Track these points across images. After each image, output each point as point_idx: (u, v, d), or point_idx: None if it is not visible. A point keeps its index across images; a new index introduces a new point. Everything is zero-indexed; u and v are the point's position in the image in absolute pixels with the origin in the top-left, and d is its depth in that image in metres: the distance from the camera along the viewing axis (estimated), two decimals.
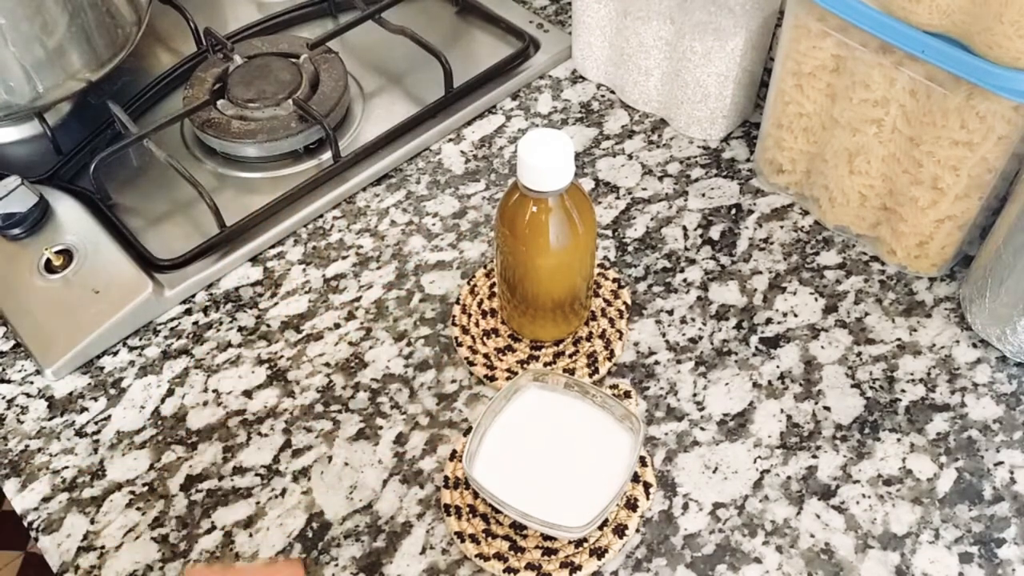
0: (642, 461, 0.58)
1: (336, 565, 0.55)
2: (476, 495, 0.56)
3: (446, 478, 0.57)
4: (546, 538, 0.55)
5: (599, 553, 0.54)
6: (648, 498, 0.56)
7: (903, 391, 0.61)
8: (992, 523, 0.55)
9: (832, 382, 0.62)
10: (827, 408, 0.61)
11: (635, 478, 0.57)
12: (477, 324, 0.65)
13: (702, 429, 0.60)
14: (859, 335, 0.64)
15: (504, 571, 0.53)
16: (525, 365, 0.63)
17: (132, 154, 0.75)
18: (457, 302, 0.66)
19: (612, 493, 0.53)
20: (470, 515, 0.56)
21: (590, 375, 0.62)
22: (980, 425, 0.59)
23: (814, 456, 0.58)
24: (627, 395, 0.60)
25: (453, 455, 0.59)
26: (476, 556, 0.54)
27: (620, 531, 0.55)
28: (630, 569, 0.54)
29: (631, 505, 0.56)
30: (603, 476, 0.54)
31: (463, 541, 0.55)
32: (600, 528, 0.55)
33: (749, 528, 0.56)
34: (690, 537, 0.55)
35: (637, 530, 0.56)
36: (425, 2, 0.89)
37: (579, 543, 0.54)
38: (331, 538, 0.56)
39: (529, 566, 0.54)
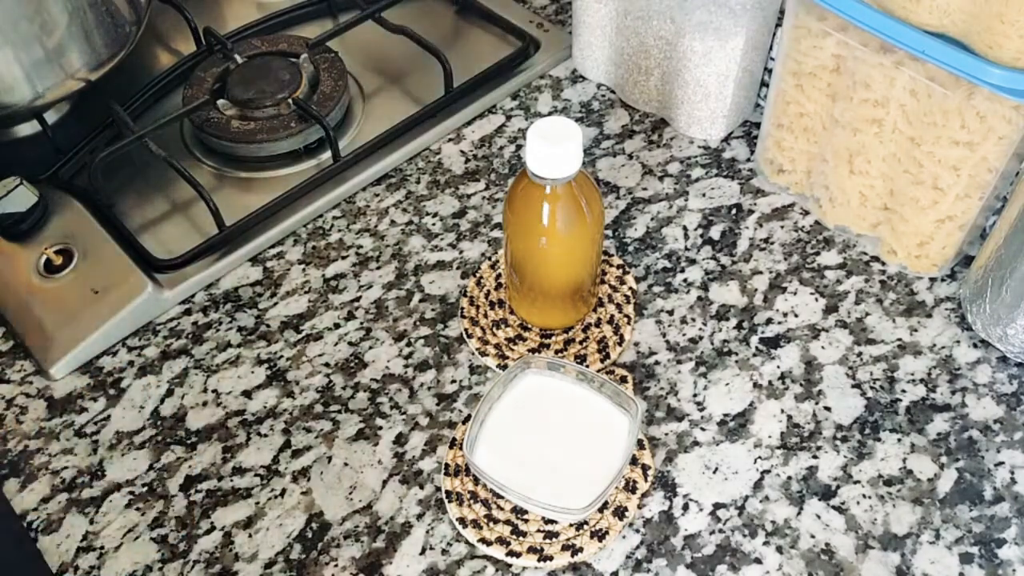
0: (640, 444, 0.58)
1: (336, 566, 0.55)
2: (476, 481, 0.57)
3: (446, 465, 0.58)
4: (547, 521, 0.55)
5: (600, 535, 0.54)
6: (647, 480, 0.57)
7: (903, 391, 0.61)
8: (993, 523, 0.55)
9: (832, 382, 0.62)
10: (827, 408, 0.60)
11: (633, 460, 0.57)
12: (486, 315, 0.65)
13: (702, 429, 0.60)
14: (859, 335, 0.64)
15: (507, 554, 0.54)
16: (536, 354, 0.63)
17: (132, 154, 0.74)
18: (464, 294, 0.67)
19: (611, 475, 0.53)
20: (471, 501, 0.56)
21: (601, 360, 0.62)
22: (981, 425, 0.59)
23: (814, 456, 0.58)
24: (623, 380, 0.61)
25: (453, 443, 0.59)
26: (479, 541, 0.54)
27: (620, 513, 0.55)
28: (630, 569, 0.54)
29: (630, 487, 0.56)
30: (602, 459, 0.55)
31: (465, 527, 0.55)
32: (600, 511, 0.55)
33: (749, 528, 0.55)
34: (690, 538, 0.55)
35: (636, 529, 0.56)
36: (425, 2, 0.89)
37: (580, 526, 0.55)
38: (331, 538, 0.56)
39: (531, 550, 0.54)
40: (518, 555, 0.54)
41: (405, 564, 0.55)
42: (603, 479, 0.53)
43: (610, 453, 0.55)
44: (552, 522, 0.55)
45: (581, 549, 0.54)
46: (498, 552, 0.54)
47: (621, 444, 0.55)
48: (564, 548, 0.54)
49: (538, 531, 0.55)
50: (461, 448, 0.56)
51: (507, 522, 0.55)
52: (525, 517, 0.55)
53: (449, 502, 0.56)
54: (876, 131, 0.62)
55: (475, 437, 0.56)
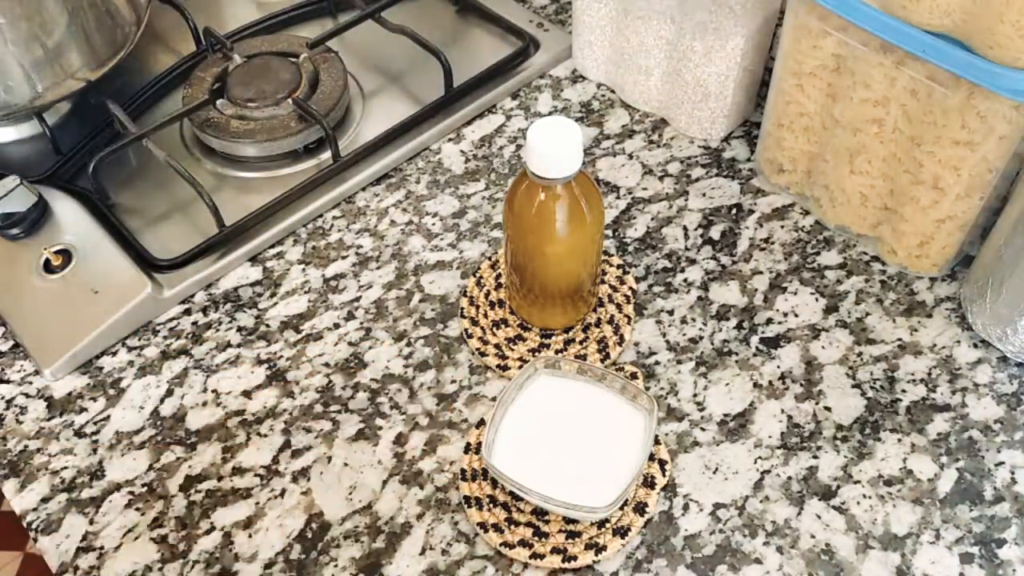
0: (656, 439, 0.58)
1: (336, 566, 0.55)
2: (495, 485, 0.56)
3: (463, 470, 0.57)
4: (568, 521, 0.55)
5: (622, 532, 0.54)
6: (664, 475, 0.57)
7: (904, 391, 0.61)
8: (993, 523, 0.55)
9: (833, 382, 0.62)
10: (828, 408, 0.60)
11: (649, 456, 0.57)
12: (486, 315, 0.65)
13: (702, 429, 0.60)
14: (860, 335, 0.64)
15: (530, 557, 0.54)
16: (536, 354, 0.63)
17: (131, 154, 0.75)
18: (464, 294, 0.67)
19: (632, 472, 0.53)
20: (491, 505, 0.56)
21: (601, 360, 0.62)
22: (981, 425, 0.59)
23: (815, 456, 0.58)
24: (634, 376, 0.61)
25: (468, 448, 0.59)
26: (501, 545, 0.54)
27: (640, 509, 0.55)
28: (630, 570, 0.54)
29: (649, 483, 0.56)
30: (620, 456, 0.54)
31: (486, 531, 0.55)
32: (621, 508, 0.55)
33: (750, 529, 0.55)
34: (690, 538, 0.55)
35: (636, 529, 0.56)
36: (425, 1, 0.89)
37: (601, 524, 0.55)
38: (331, 539, 0.56)
39: (555, 550, 0.54)
40: (542, 556, 0.54)
41: (405, 564, 0.55)
42: (623, 476, 0.53)
43: (627, 450, 0.55)
44: (573, 522, 0.55)
45: (604, 547, 0.54)
46: (521, 555, 0.54)
47: (638, 441, 0.55)
48: (588, 547, 0.54)
49: (560, 531, 0.55)
50: (478, 452, 0.55)
51: (528, 524, 0.55)
52: (546, 518, 0.55)
53: (468, 507, 0.56)
54: (876, 131, 0.62)
55: (492, 441, 0.55)
